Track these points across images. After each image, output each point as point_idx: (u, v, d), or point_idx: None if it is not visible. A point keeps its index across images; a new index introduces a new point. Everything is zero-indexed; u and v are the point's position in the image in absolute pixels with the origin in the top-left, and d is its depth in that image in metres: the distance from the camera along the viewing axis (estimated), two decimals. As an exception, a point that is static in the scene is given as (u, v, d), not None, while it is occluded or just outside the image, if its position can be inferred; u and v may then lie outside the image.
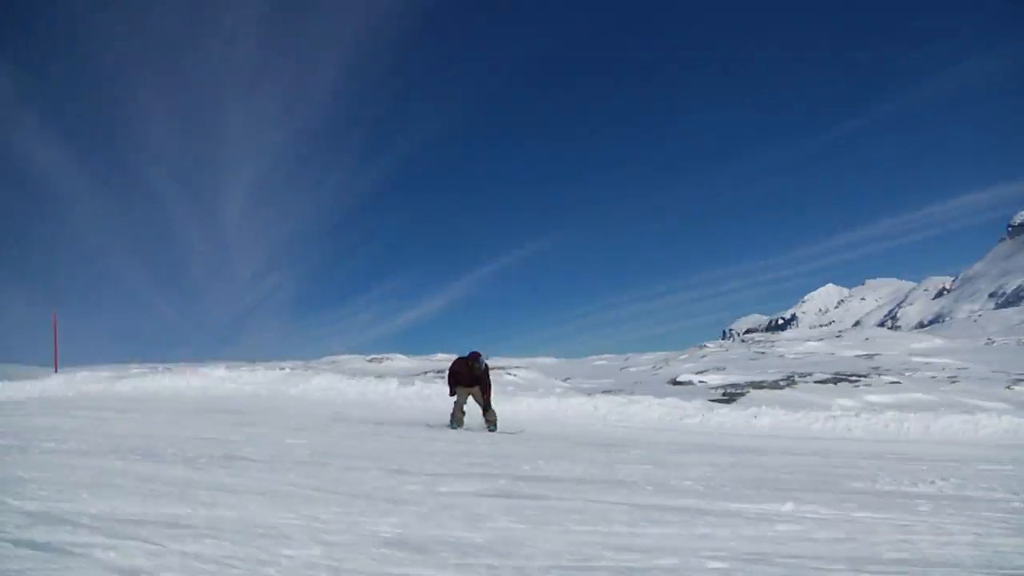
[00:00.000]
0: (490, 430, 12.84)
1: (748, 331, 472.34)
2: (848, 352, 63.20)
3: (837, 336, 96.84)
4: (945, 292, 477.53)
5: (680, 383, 32.35)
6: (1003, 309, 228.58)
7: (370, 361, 76.02)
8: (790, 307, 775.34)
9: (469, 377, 13.00)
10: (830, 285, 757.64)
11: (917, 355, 61.39)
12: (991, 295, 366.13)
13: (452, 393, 13.17)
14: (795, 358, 59.39)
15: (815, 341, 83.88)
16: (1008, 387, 30.38)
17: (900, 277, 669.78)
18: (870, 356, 53.62)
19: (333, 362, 74.47)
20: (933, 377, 34.48)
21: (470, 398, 13.16)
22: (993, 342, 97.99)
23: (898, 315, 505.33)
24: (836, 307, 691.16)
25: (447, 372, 13.43)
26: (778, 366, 47.76)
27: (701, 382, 32.00)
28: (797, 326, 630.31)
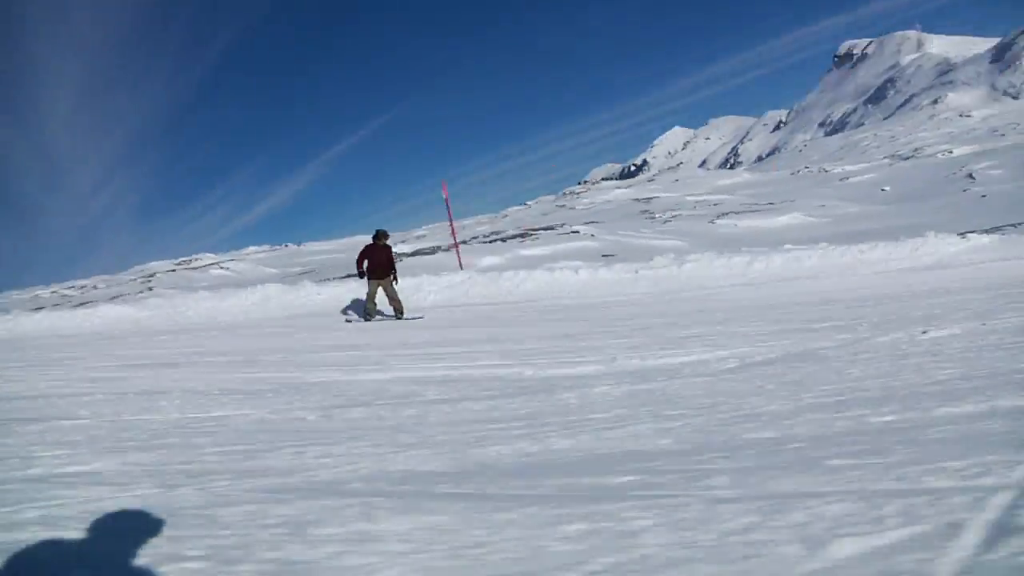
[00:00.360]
0: (398, 317, 12.64)
1: (604, 179, 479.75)
2: (642, 195, 62.42)
3: (650, 180, 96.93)
4: (782, 125, 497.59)
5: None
6: (830, 136, 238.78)
7: (179, 264, 69.41)
8: (641, 153, 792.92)
9: (381, 260, 12.69)
10: (677, 128, 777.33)
11: (714, 192, 61.25)
12: (820, 124, 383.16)
13: (361, 276, 12.88)
14: (585, 208, 57.97)
15: (623, 188, 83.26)
16: (711, 221, 29.21)
17: (742, 114, 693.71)
18: (648, 200, 52.72)
19: (141, 271, 67.84)
20: (654, 218, 33.10)
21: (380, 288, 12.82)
22: (806, 168, 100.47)
23: (739, 151, 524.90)
24: (683, 148, 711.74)
25: (358, 260, 12.91)
26: (552, 219, 45.93)
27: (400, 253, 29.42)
28: (648, 170, 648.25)
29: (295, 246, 78.39)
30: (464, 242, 27.50)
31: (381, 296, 12.94)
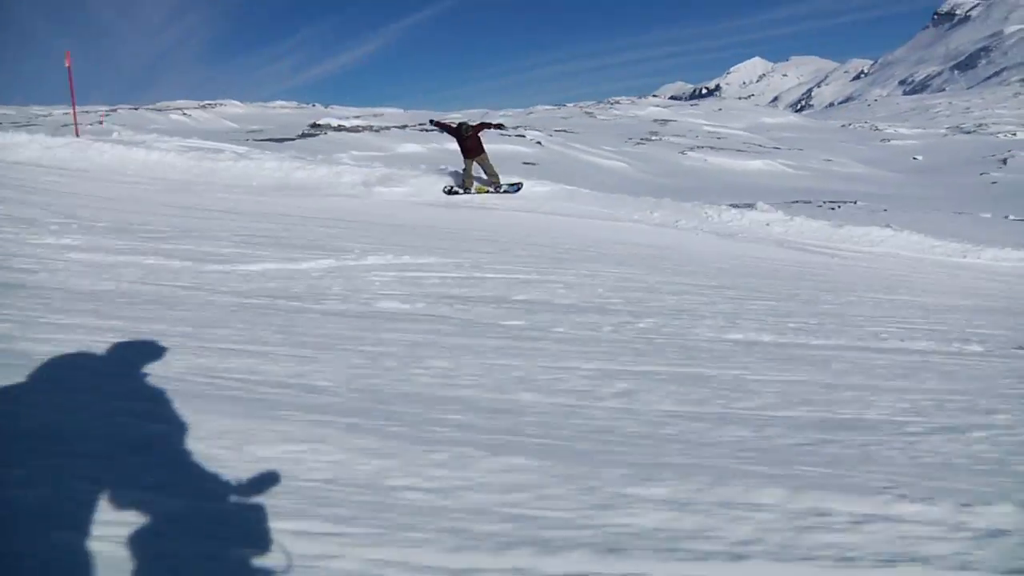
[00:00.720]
0: (496, 190, 14.10)
1: (672, 97, 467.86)
2: (669, 117, 60.58)
3: (692, 104, 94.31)
4: (863, 75, 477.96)
5: (318, 125, 29.06)
6: (906, 96, 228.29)
7: (203, 106, 69.33)
8: (716, 78, 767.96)
9: (471, 146, 13.91)
10: (757, 58, 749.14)
11: (747, 128, 59.30)
12: (901, 82, 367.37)
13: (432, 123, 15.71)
14: (606, 120, 56.45)
15: (661, 108, 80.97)
16: (681, 152, 28.04)
17: (825, 56, 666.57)
18: (665, 122, 50.99)
19: (166, 107, 67.90)
20: (649, 140, 31.80)
21: (475, 165, 14.11)
22: (861, 125, 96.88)
23: (814, 94, 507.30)
24: (758, 81, 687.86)
25: (448, 131, 14.51)
26: (570, 124, 44.80)
27: (340, 126, 28.73)
28: (721, 96, 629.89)
29: (322, 107, 77.87)
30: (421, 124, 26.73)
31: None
